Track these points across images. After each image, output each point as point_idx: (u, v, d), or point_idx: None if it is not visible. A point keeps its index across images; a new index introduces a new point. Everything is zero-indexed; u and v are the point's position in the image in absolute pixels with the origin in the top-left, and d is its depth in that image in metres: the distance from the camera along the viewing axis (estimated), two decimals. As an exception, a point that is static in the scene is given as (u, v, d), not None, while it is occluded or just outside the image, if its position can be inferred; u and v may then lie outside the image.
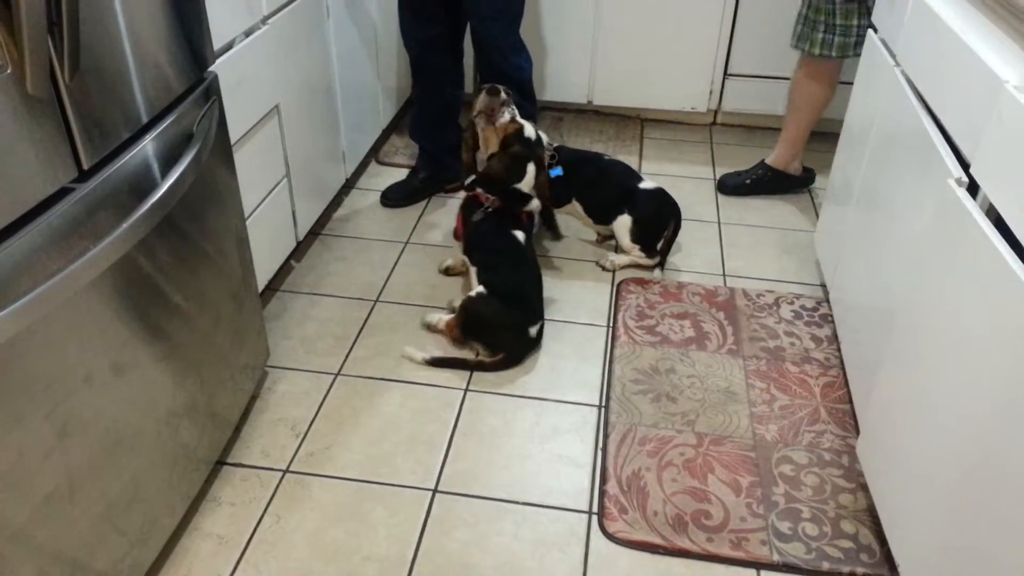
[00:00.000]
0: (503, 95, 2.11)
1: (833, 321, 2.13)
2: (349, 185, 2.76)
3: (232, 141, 1.71)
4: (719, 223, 2.65)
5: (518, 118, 2.13)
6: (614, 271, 2.40)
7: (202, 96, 1.49)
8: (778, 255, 2.50)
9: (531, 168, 2.12)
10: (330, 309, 2.20)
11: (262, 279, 2.09)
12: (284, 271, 2.31)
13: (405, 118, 3.20)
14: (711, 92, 3.17)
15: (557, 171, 2.29)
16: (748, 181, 2.79)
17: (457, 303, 2.13)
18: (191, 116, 1.44)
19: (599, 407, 1.90)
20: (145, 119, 1.32)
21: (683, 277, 2.39)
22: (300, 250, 2.39)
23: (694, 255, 2.48)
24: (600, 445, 1.79)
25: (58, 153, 1.11)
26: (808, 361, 2.05)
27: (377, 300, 2.24)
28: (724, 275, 2.40)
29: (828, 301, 2.22)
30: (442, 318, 2.11)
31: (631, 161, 3.01)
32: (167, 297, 1.41)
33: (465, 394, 1.92)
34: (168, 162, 1.35)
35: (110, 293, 1.24)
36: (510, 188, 2.11)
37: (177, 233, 1.42)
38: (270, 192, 2.06)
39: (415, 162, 2.78)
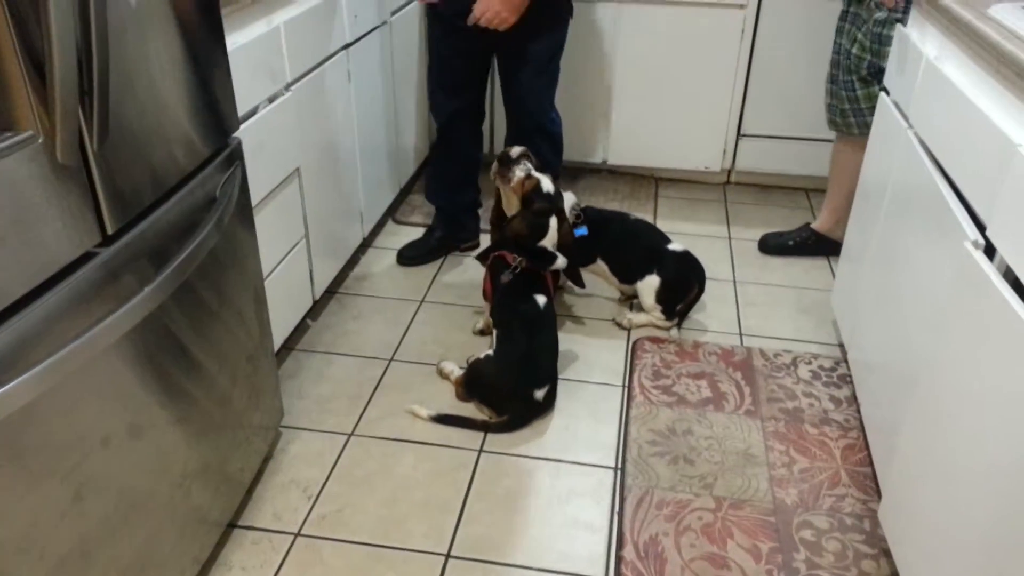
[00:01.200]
0: (514, 156, 2.14)
1: (852, 382, 2.11)
2: (366, 244, 2.79)
3: (253, 204, 1.74)
4: (735, 282, 2.65)
5: (533, 173, 2.15)
6: (630, 329, 2.39)
7: (226, 161, 1.52)
8: (795, 314, 2.49)
9: (553, 222, 2.12)
10: (345, 368, 2.20)
11: (278, 338, 2.10)
12: (300, 329, 2.32)
13: (422, 178, 3.25)
14: (724, 152, 3.20)
15: (582, 230, 2.30)
16: (791, 243, 2.80)
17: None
18: (214, 181, 1.47)
19: (615, 469, 1.88)
20: (169, 185, 1.34)
21: (699, 336, 2.38)
22: (316, 309, 2.40)
23: (710, 314, 2.48)
24: (616, 509, 1.77)
25: (84, 219, 1.14)
26: (827, 423, 2.02)
27: (392, 359, 2.24)
28: (741, 334, 2.39)
29: (846, 361, 2.21)
30: (455, 370, 2.12)
31: (645, 218, 3.03)
32: (185, 359, 1.42)
33: (479, 455, 1.91)
34: (190, 226, 1.37)
35: (129, 356, 1.25)
36: (535, 248, 2.11)
37: (197, 295, 1.44)
38: (288, 253, 2.08)
39: (431, 221, 2.81)
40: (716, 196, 3.25)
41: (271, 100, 1.90)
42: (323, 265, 2.32)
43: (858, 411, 2.04)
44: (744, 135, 3.17)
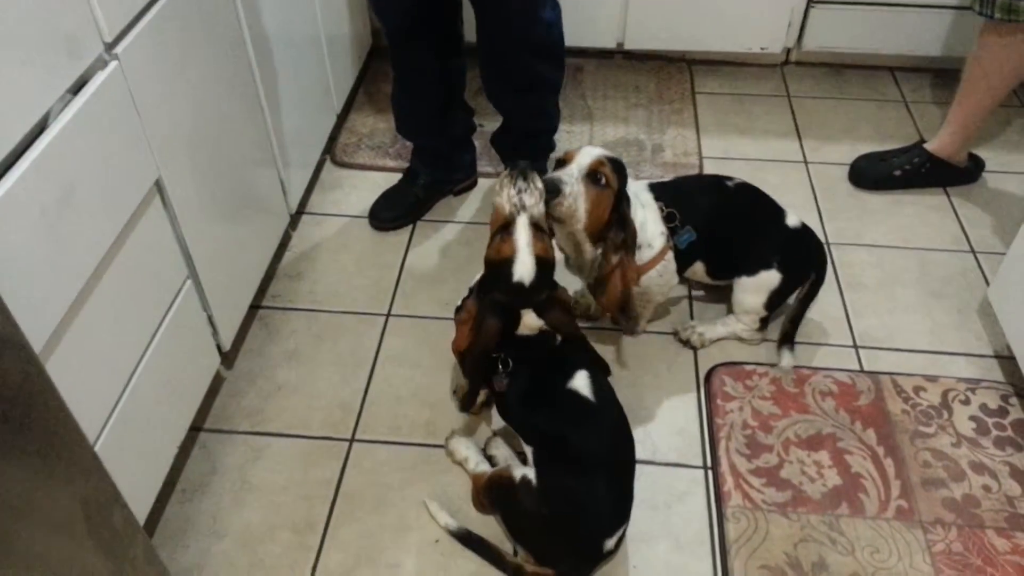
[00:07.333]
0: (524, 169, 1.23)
1: (1039, 438, 1.43)
2: (299, 212, 1.92)
3: (76, 290, 0.92)
4: (827, 244, 1.87)
5: (518, 232, 1.19)
6: (699, 348, 1.64)
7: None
8: (923, 301, 1.74)
9: (528, 316, 1.24)
10: (280, 465, 1.44)
11: (180, 425, 1.34)
12: (211, 390, 1.52)
13: (365, 84, 2.33)
14: (789, 25, 2.29)
15: (688, 237, 1.49)
16: (898, 172, 1.99)
17: (496, 451, 1.40)
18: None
19: (720, 651, 1.21)
20: None
21: (797, 354, 1.63)
22: (232, 350, 1.59)
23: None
24: None
25: None
26: (1018, 523, 1.35)
27: (353, 439, 1.48)
28: (855, 346, 1.65)
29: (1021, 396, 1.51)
30: (471, 458, 1.39)
31: (685, 135, 2.19)
32: None
33: (507, 642, 1.22)
34: None
35: None
36: (515, 340, 1.27)
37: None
38: (167, 311, 1.26)
39: (409, 162, 1.95)
40: (774, 87, 2.38)
41: (77, 90, 1.00)
42: (227, 301, 1.49)
43: (1056, 493, 1.37)
44: (816, 2, 2.25)
